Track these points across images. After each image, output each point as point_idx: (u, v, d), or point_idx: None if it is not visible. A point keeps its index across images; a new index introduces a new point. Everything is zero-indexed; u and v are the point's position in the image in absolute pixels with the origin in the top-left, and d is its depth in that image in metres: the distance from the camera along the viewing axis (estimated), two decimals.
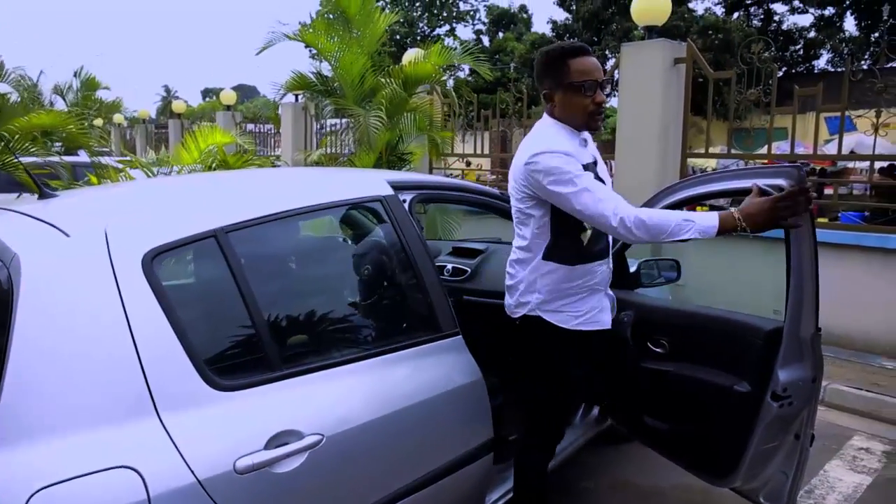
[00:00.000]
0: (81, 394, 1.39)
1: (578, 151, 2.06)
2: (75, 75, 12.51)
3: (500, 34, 34.44)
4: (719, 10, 21.95)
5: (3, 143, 4.32)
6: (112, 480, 1.34)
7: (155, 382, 1.46)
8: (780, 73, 18.81)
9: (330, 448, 1.66)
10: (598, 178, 2.09)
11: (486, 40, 35.63)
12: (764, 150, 6.38)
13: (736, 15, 21.98)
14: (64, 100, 12.41)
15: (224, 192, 2.12)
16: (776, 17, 22.73)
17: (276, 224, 1.88)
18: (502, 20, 34.70)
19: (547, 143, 2.03)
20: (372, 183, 2.27)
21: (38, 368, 1.36)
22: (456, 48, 7.34)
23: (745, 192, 2.00)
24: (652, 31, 6.24)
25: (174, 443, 1.44)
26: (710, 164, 12.61)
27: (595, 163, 2.16)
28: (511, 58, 31.73)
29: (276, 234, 1.99)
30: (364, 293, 2.21)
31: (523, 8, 34.82)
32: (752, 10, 23.15)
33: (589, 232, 2.13)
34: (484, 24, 36.32)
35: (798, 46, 22.59)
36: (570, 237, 2.13)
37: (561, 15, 23.96)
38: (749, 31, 18.40)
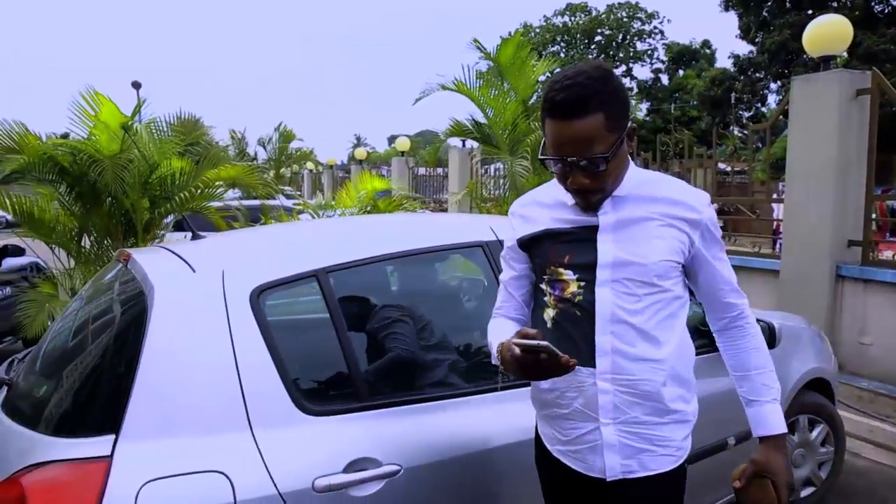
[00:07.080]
0: (191, 403, 1.64)
1: (545, 210, 1.56)
2: (276, 129, 14.27)
3: (681, 72, 33.26)
4: None
5: (201, 190, 5.08)
6: (206, 482, 1.56)
7: (251, 401, 1.68)
8: None
9: (407, 479, 1.76)
10: (553, 251, 1.52)
11: (665, 79, 34.60)
12: None
13: None
14: (265, 150, 14.22)
15: (331, 237, 2.36)
16: None
17: (373, 266, 2.06)
18: (683, 57, 33.54)
19: (530, 192, 1.70)
20: (474, 229, 2.38)
21: (159, 378, 1.63)
22: (632, 89, 7.31)
23: None
24: (828, 61, 5.73)
25: (262, 456, 1.64)
26: None
27: (560, 232, 1.52)
28: (691, 95, 30.43)
29: (374, 275, 2.17)
30: (455, 334, 2.30)
31: (706, 43, 33.37)
32: None
33: (551, 311, 1.53)
34: (663, 62, 35.33)
35: None
36: (535, 315, 1.64)
37: (744, 48, 22.66)
38: None
